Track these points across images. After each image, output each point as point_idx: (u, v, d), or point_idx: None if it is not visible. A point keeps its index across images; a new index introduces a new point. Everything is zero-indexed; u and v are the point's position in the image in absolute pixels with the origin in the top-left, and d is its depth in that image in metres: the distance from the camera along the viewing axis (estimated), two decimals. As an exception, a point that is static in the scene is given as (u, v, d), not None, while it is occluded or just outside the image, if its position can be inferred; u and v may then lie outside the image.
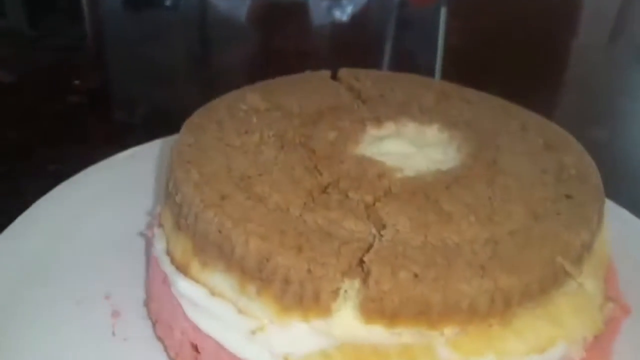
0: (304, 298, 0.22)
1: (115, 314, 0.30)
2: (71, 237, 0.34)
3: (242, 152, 0.28)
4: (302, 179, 0.26)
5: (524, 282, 0.22)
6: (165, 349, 0.27)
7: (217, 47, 0.73)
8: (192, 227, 0.25)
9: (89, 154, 0.44)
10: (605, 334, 0.25)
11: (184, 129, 0.30)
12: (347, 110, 0.31)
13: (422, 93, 0.34)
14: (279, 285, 0.22)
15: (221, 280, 0.24)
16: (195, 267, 0.24)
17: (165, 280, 0.26)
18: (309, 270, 0.22)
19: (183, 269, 0.25)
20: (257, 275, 0.22)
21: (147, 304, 0.30)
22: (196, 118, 0.30)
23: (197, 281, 0.24)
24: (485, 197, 0.25)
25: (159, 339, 0.28)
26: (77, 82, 0.60)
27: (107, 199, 0.36)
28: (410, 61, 0.70)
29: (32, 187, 0.44)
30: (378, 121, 0.30)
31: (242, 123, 0.30)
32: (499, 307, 0.22)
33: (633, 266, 0.31)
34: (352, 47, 0.68)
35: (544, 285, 0.23)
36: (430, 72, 0.64)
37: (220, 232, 0.23)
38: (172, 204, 0.26)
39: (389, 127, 0.30)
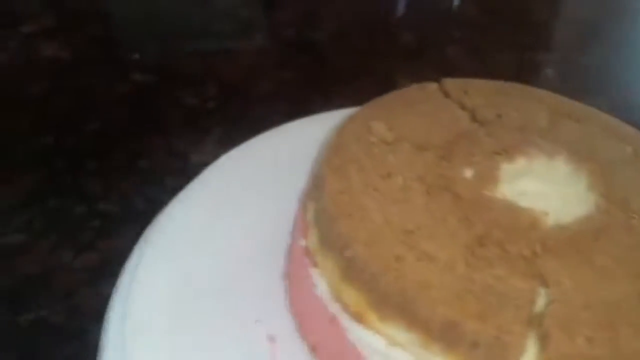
0: (490, 359, 0.25)
1: (271, 338, 0.33)
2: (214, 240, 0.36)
3: (392, 200, 0.30)
4: (457, 231, 0.28)
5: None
6: (329, 375, 0.31)
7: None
8: (368, 284, 0.27)
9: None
10: None
11: (326, 170, 0.31)
12: (472, 140, 0.33)
13: (535, 112, 0.35)
14: (466, 348, 0.25)
15: (402, 334, 0.26)
16: (372, 318, 0.27)
17: (334, 321, 0.29)
18: (497, 337, 0.24)
19: (357, 318, 0.28)
20: (442, 337, 0.25)
21: (300, 330, 0.33)
22: (333, 158, 0.32)
23: (374, 331, 0.27)
24: (627, 245, 0.28)
25: (319, 365, 0.31)
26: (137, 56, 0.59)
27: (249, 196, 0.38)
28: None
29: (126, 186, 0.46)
30: (507, 154, 0.32)
31: (379, 162, 0.32)
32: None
33: None
34: None
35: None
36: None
37: (402, 296, 0.26)
38: (337, 255, 0.29)
39: (520, 161, 0.32)
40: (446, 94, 0.37)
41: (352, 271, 0.28)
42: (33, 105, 0.51)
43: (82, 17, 0.64)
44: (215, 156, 0.43)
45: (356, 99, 0.44)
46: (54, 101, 0.52)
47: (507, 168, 0.31)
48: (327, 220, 0.29)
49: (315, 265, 0.31)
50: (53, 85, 0.54)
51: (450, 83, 0.37)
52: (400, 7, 0.73)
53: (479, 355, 0.25)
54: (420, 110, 0.35)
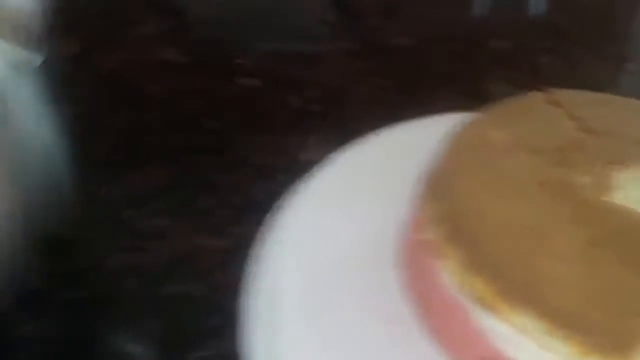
0: (608, 346, 0.28)
1: (391, 323, 0.36)
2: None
3: (512, 200, 0.33)
4: (577, 231, 0.31)
5: None
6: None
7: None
8: (496, 276, 0.30)
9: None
10: None
11: (447, 172, 0.35)
12: (585, 148, 0.36)
13: (641, 124, 0.38)
14: (587, 335, 0.28)
15: (530, 322, 0.29)
16: (502, 308, 0.30)
17: (458, 309, 0.32)
18: (618, 326, 0.27)
19: (485, 306, 0.31)
20: (566, 325, 0.28)
21: (418, 317, 0.36)
22: (453, 161, 0.35)
23: (501, 318, 0.30)
24: None
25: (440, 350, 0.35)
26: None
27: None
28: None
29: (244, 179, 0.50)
30: (620, 164, 0.35)
31: (497, 166, 0.35)
32: None
33: None
34: None
35: None
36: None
37: (532, 288, 0.29)
38: (465, 248, 0.32)
39: (632, 171, 0.34)
40: (555, 104, 0.39)
41: (480, 264, 0.31)
42: (156, 105, 0.56)
43: (188, 22, 0.69)
44: (321, 155, 0.47)
45: (452, 104, 0.47)
46: (174, 102, 0.57)
47: (621, 177, 0.34)
48: (453, 217, 0.33)
49: (439, 257, 0.34)
50: (169, 87, 0.59)
51: (558, 93, 0.40)
52: (477, 10, 0.75)
53: (598, 343, 0.28)
54: (531, 118, 0.38)
